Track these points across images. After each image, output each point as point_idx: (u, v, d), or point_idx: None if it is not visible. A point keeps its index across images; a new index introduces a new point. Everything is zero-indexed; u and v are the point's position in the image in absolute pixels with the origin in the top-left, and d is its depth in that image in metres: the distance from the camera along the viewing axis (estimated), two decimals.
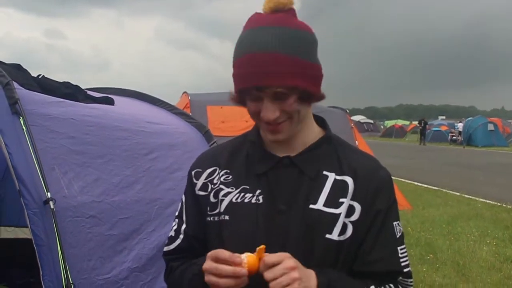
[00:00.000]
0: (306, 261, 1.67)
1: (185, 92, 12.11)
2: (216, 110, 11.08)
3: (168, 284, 1.94)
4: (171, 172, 3.84)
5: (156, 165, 3.77)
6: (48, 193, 2.96)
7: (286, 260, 1.56)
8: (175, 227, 1.93)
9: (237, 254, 1.59)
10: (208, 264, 1.61)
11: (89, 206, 3.21)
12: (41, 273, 2.86)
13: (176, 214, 1.95)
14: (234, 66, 1.69)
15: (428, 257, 7.91)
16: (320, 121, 1.88)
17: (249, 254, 1.59)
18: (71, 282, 2.88)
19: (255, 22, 1.68)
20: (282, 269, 1.54)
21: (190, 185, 1.90)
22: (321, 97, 1.72)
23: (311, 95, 1.67)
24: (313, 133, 1.82)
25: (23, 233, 4.67)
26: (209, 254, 1.64)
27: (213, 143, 4.33)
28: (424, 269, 7.28)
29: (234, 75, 1.70)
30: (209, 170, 1.87)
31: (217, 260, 1.59)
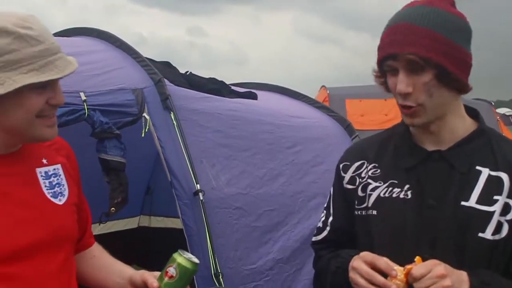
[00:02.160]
0: (458, 261, 1.59)
1: (323, 86, 12.08)
2: (355, 103, 10.94)
3: (316, 270, 1.94)
4: (314, 165, 3.83)
5: (299, 158, 3.78)
6: (198, 185, 3.05)
7: (435, 268, 1.49)
8: (323, 219, 1.93)
9: (391, 266, 1.54)
10: (359, 265, 1.58)
11: (235, 198, 3.28)
12: None
13: (325, 205, 1.95)
14: (380, 40, 1.67)
15: None
16: (473, 113, 1.76)
17: (400, 268, 1.52)
18: (219, 271, 2.96)
19: (410, 3, 1.65)
20: (432, 278, 1.47)
21: (338, 178, 1.87)
22: (465, 85, 1.63)
23: (451, 76, 1.57)
24: (465, 126, 1.71)
25: (172, 223, 4.87)
26: (363, 254, 1.61)
27: (355, 137, 4.27)
28: None
29: (377, 48, 1.67)
30: (357, 164, 1.83)
31: (372, 265, 1.56)
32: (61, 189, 1.73)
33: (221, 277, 2.95)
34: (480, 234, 1.59)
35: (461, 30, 1.62)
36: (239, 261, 3.15)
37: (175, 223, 4.46)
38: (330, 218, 1.89)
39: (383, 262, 1.55)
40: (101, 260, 1.95)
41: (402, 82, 1.58)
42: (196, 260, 1.70)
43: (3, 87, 1.46)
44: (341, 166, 1.87)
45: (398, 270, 1.52)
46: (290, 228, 3.48)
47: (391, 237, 1.69)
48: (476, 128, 1.71)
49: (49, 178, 1.71)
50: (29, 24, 1.50)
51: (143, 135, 3.04)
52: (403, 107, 1.63)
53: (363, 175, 1.80)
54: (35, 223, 1.63)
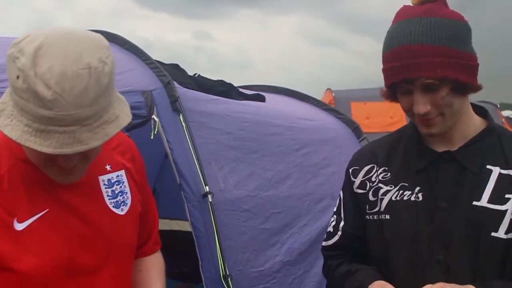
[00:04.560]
0: (472, 263, 1.60)
1: (328, 89, 12.08)
2: (360, 106, 10.96)
3: (328, 281, 1.95)
4: (322, 168, 3.82)
5: (307, 160, 3.76)
6: (207, 187, 3.03)
7: None
8: (333, 223, 1.92)
9: None
10: None
11: (243, 200, 3.26)
12: (200, 264, 2.94)
13: (335, 210, 1.94)
14: (383, 60, 1.65)
15: None
16: (482, 112, 1.76)
17: None
18: (228, 273, 2.94)
19: (402, 15, 1.63)
20: None
21: (348, 183, 1.87)
22: (477, 87, 1.62)
23: (465, 85, 1.58)
24: (474, 125, 1.70)
25: (177, 225, 4.86)
26: (377, 283, 1.64)
27: (363, 139, 4.26)
28: None
29: (383, 70, 1.65)
30: (366, 168, 1.82)
31: None
32: (123, 197, 1.68)
33: (230, 280, 2.93)
34: (493, 234, 1.58)
35: (464, 35, 1.61)
36: (247, 263, 3.13)
37: (180, 225, 4.46)
38: (342, 223, 1.88)
39: None
40: (143, 277, 1.87)
41: (420, 104, 1.58)
42: None
43: (2, 123, 1.36)
44: (350, 170, 1.87)
45: None
46: (297, 231, 3.46)
47: (404, 241, 1.68)
48: (485, 127, 1.70)
49: (112, 187, 1.66)
50: (52, 82, 1.27)
51: (152, 137, 3.02)
52: (420, 118, 1.62)
53: (373, 179, 1.79)
54: (96, 239, 1.59)
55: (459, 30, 1.59)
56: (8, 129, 1.33)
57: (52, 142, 1.31)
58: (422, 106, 1.57)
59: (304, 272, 3.40)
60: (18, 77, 1.29)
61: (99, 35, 1.42)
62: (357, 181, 1.83)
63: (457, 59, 1.56)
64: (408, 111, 1.64)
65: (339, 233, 1.88)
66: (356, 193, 1.82)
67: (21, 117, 1.32)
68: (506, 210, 1.59)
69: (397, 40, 1.59)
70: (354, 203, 1.84)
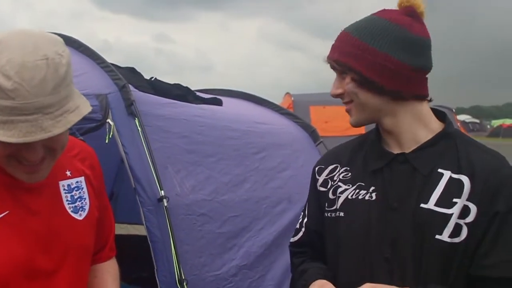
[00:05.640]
0: (415, 263, 1.63)
1: (288, 93, 12.17)
2: (319, 110, 11.06)
3: (291, 279, 1.99)
4: (279, 171, 3.82)
5: (264, 164, 3.77)
6: (162, 191, 3.02)
7: None
8: (300, 220, 1.98)
9: None
10: None
11: (200, 204, 3.25)
12: (155, 268, 2.92)
13: (303, 208, 2.00)
14: None
15: None
16: (441, 116, 1.79)
17: None
18: (184, 277, 2.92)
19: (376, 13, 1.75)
20: None
21: (313, 181, 1.93)
22: (391, 91, 1.66)
23: (368, 81, 1.65)
24: (429, 129, 1.73)
25: (135, 229, 4.80)
26: (318, 282, 1.70)
27: (320, 143, 4.29)
28: None
29: None
30: (330, 167, 1.88)
31: None
32: (82, 203, 1.73)
33: (186, 284, 2.92)
34: (437, 236, 1.61)
35: (395, 39, 1.65)
36: (204, 267, 3.12)
37: (138, 230, 4.40)
38: (306, 220, 1.94)
39: None
40: (98, 283, 1.90)
41: (333, 85, 1.74)
42: None
43: None
44: (316, 169, 1.93)
45: None
46: (254, 234, 3.46)
47: (356, 238, 1.72)
48: (440, 131, 1.73)
49: (71, 192, 1.71)
50: (12, 73, 1.34)
51: (107, 141, 2.99)
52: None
53: (335, 178, 1.84)
54: (54, 242, 1.62)
55: (391, 33, 1.65)
56: None
57: (15, 132, 1.36)
58: (334, 88, 1.73)
59: (261, 276, 3.40)
60: None
61: (54, 34, 1.51)
62: (321, 179, 1.88)
63: (364, 53, 1.65)
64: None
65: (303, 229, 1.94)
66: (319, 190, 1.88)
67: None
68: (452, 214, 1.61)
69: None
70: (317, 201, 1.89)
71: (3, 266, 1.52)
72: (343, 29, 1.73)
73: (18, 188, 1.57)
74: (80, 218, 1.71)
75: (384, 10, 1.72)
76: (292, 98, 11.65)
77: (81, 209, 1.72)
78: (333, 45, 1.73)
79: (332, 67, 1.72)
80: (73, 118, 1.45)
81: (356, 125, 1.76)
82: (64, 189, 1.69)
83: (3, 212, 1.54)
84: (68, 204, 1.69)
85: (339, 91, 1.71)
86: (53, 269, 1.62)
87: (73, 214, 1.69)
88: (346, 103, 1.73)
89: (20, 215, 1.57)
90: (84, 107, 1.51)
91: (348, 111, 1.75)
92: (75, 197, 1.71)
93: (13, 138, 1.36)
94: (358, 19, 1.73)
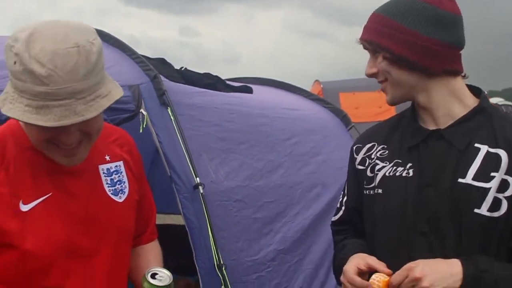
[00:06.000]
0: (455, 238, 1.62)
1: (317, 80, 12.08)
2: (349, 96, 10.97)
3: (332, 257, 2.00)
4: (312, 156, 3.82)
5: (297, 149, 3.76)
6: (197, 178, 3.04)
7: (411, 273, 1.53)
8: (340, 199, 2.00)
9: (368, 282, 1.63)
10: (349, 268, 1.68)
11: (235, 190, 3.27)
12: (194, 255, 2.95)
13: (343, 188, 2.01)
14: None
15: None
16: (476, 92, 1.78)
17: (381, 276, 1.60)
18: (222, 262, 2.95)
19: None
20: (409, 282, 1.53)
21: (351, 160, 1.94)
22: (422, 67, 1.67)
23: (399, 58, 1.65)
24: (464, 104, 1.72)
25: (171, 219, 4.83)
26: (357, 255, 1.72)
27: (351, 127, 4.27)
28: None
29: None
30: (368, 146, 1.89)
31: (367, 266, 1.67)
32: (122, 186, 1.77)
33: (224, 269, 2.95)
34: (476, 210, 1.60)
35: (426, 16, 1.66)
36: (241, 252, 3.14)
37: (174, 219, 4.43)
38: (345, 198, 1.95)
39: (372, 261, 1.66)
40: (141, 262, 1.92)
41: (367, 65, 1.75)
42: (162, 283, 1.67)
43: (6, 109, 1.48)
44: (354, 148, 1.94)
45: (380, 280, 1.59)
46: (290, 219, 3.47)
47: (392, 215, 1.73)
48: (475, 106, 1.72)
49: (111, 175, 1.76)
50: (45, 60, 1.41)
51: (141, 131, 3.00)
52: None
53: (372, 156, 1.85)
54: (94, 223, 1.68)
55: (420, 10, 1.66)
56: (11, 112, 1.46)
57: (51, 116, 1.43)
58: (368, 67, 1.74)
59: (299, 259, 3.41)
60: (15, 62, 1.43)
61: (85, 23, 1.56)
62: (359, 158, 1.89)
63: (395, 32, 1.66)
64: None
65: (343, 208, 1.95)
66: (358, 169, 1.88)
67: (21, 98, 1.44)
68: (490, 188, 1.60)
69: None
70: (355, 179, 1.90)
71: (46, 246, 1.58)
72: (377, 12, 1.73)
73: (59, 172, 1.64)
74: (120, 201, 1.75)
75: None
76: (322, 86, 11.57)
77: (120, 191, 1.76)
78: (364, 26, 1.74)
79: (365, 48, 1.73)
80: (105, 103, 1.52)
81: (392, 103, 1.77)
82: (104, 173, 1.74)
83: (47, 194, 1.61)
84: (108, 187, 1.74)
85: (373, 70, 1.72)
86: (94, 250, 1.67)
87: (113, 197, 1.74)
88: (380, 82, 1.74)
89: (61, 198, 1.63)
90: (116, 92, 1.58)
91: (383, 89, 1.75)
92: (115, 180, 1.76)
93: (48, 122, 1.43)
94: (384, 3, 1.74)
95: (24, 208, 1.58)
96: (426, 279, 1.51)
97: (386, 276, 1.58)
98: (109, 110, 2.93)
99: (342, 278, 1.69)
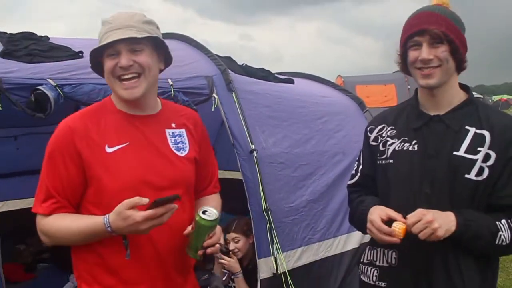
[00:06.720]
0: (450, 197, 1.61)
1: (339, 75, 11.90)
2: (363, 88, 10.84)
3: (350, 210, 1.95)
4: (336, 132, 3.75)
5: (326, 126, 3.70)
6: (253, 145, 3.02)
7: (424, 217, 1.52)
8: (355, 167, 1.94)
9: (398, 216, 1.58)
10: (374, 218, 1.61)
11: (279, 155, 3.24)
12: (248, 201, 2.95)
13: (357, 158, 1.96)
14: (404, 27, 1.68)
15: None
16: (465, 87, 1.75)
17: (400, 224, 1.56)
18: (268, 208, 2.94)
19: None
20: (424, 223, 1.51)
21: (366, 138, 1.89)
22: (464, 62, 1.65)
23: (459, 52, 1.60)
24: (458, 96, 1.70)
25: (230, 174, 4.85)
26: (377, 207, 1.66)
27: (366, 111, 4.17)
28: None
29: (403, 32, 1.68)
30: (379, 127, 1.85)
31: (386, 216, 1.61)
32: (183, 145, 1.75)
33: (270, 212, 2.94)
34: (466, 175, 1.60)
35: (461, 23, 1.65)
36: (282, 201, 3.12)
37: (231, 174, 4.43)
38: (360, 167, 1.91)
39: (391, 213, 1.61)
40: (203, 202, 1.86)
41: (425, 52, 1.60)
42: (210, 218, 1.58)
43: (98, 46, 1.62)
44: (368, 128, 1.90)
45: (400, 228, 1.55)
46: (318, 178, 3.42)
47: (402, 180, 1.70)
48: (466, 98, 1.71)
49: (175, 137, 1.74)
50: (112, 16, 1.62)
51: (213, 109, 3.00)
52: (421, 71, 1.64)
53: (383, 134, 1.81)
54: (164, 167, 1.67)
55: (459, 19, 1.64)
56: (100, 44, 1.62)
57: (110, 39, 1.57)
58: (427, 54, 1.60)
59: (322, 207, 3.37)
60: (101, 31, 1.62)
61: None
62: (372, 136, 1.85)
63: (457, 32, 1.61)
64: (414, 63, 1.65)
65: (359, 174, 1.91)
66: (371, 145, 1.84)
67: (100, 42, 1.62)
68: (477, 159, 1.60)
69: (418, 11, 1.66)
70: (369, 153, 1.86)
71: (131, 177, 1.59)
72: (430, 11, 1.63)
73: (138, 124, 1.66)
74: (181, 155, 1.73)
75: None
76: (343, 79, 11.43)
77: (182, 149, 1.74)
78: (432, 20, 1.59)
79: (432, 36, 1.59)
80: (144, 34, 1.59)
81: (437, 85, 1.65)
82: (169, 135, 1.73)
83: (126, 142, 1.63)
84: (171, 144, 1.72)
85: (431, 56, 1.60)
86: (163, 187, 1.64)
87: (175, 151, 1.72)
88: (432, 67, 1.61)
89: (138, 144, 1.64)
90: (161, 38, 1.67)
91: (429, 74, 1.62)
92: (177, 141, 1.74)
93: (109, 39, 1.56)
94: (393, 20, 1.66)
95: (109, 150, 1.60)
96: (437, 221, 1.51)
97: (404, 224, 1.55)
98: (191, 94, 2.92)
99: (369, 225, 1.64)
